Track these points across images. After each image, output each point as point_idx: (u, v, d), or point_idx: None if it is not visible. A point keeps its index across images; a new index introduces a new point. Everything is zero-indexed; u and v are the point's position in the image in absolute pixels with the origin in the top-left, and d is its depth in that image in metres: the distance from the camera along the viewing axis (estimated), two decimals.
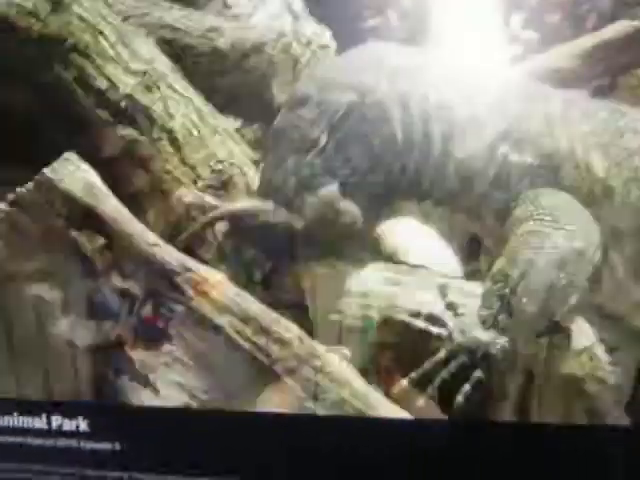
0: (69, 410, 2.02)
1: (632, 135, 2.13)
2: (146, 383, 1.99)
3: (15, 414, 2.02)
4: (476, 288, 2.16)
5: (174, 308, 2.01)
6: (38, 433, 2.02)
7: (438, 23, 3.33)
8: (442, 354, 1.99)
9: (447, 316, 2.05)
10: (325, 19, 3.33)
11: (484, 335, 1.96)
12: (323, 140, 2.19)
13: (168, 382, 1.98)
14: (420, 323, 2.05)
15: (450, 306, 2.10)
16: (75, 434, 2.01)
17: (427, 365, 1.99)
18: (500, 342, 1.95)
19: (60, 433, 2.02)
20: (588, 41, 3.19)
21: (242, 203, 2.19)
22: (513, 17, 3.60)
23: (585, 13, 3.60)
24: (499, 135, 2.15)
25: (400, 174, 2.21)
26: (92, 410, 2.03)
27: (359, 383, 1.97)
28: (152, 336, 2.01)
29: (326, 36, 3.29)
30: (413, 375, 2.00)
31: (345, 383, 1.95)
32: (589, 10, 3.61)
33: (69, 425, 2.02)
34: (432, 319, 2.05)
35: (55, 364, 2.05)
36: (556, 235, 1.96)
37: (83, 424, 2.02)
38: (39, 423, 2.04)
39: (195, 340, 1.99)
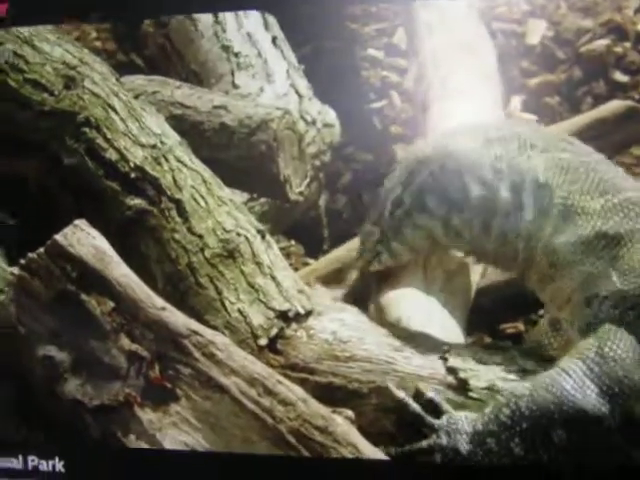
0: (45, 451, 2.05)
1: None
2: (153, 442, 2.01)
3: None
4: (476, 354, 2.22)
5: (181, 370, 2.04)
6: (15, 473, 2.05)
7: (439, 105, 3.40)
8: (424, 444, 2.04)
9: (444, 404, 2.10)
10: (331, 100, 3.43)
11: (465, 447, 2.00)
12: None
13: (175, 441, 2.01)
14: (416, 408, 2.10)
15: (451, 370, 2.15)
16: (51, 475, 2.04)
17: (407, 447, 2.05)
18: (477, 459, 1.99)
19: (36, 473, 2.05)
20: (582, 119, 3.25)
21: None
22: (512, 99, 3.69)
23: (581, 96, 3.70)
24: (606, 238, 2.10)
25: (481, 230, 2.27)
26: (67, 451, 2.06)
27: (363, 444, 2.00)
28: (160, 397, 2.04)
29: (331, 115, 3.38)
30: (393, 451, 2.07)
31: (349, 444, 1.98)
32: (585, 93, 3.70)
33: (45, 466, 2.06)
34: (430, 405, 2.10)
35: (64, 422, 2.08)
36: (589, 394, 1.93)
37: (59, 465, 2.05)
38: (16, 464, 2.07)
39: (202, 401, 2.02)
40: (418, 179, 2.34)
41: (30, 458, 2.09)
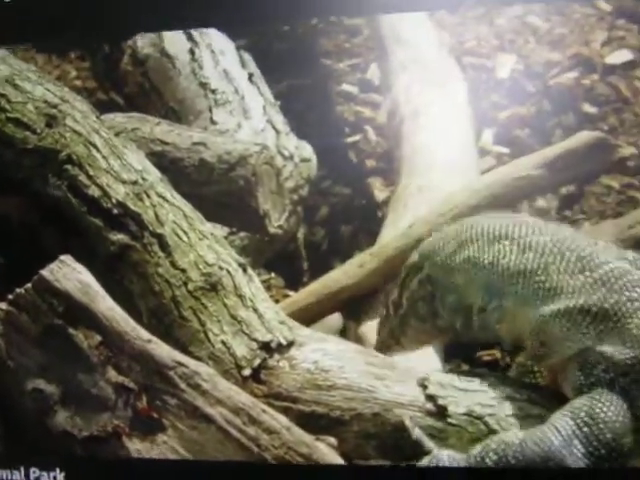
0: (46, 462, 2.08)
1: None
2: None
3: None
4: (454, 381, 2.27)
5: (168, 400, 2.08)
6: None
7: (412, 139, 3.47)
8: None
9: (426, 443, 2.13)
10: (307, 135, 3.48)
11: None
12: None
13: None
14: (416, 432, 2.14)
15: (430, 397, 2.20)
16: None
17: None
18: None
19: None
20: (553, 151, 3.30)
21: None
22: (484, 133, 3.75)
23: (551, 128, 3.77)
24: (590, 314, 2.09)
25: (463, 327, 2.35)
26: (69, 462, 2.09)
27: None
28: (147, 427, 2.07)
29: (307, 150, 3.44)
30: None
31: None
32: (555, 125, 3.77)
33: (46, 477, 2.10)
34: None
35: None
36: (575, 452, 1.95)
37: (60, 476, 2.09)
38: (17, 475, 2.10)
39: (188, 430, 2.06)
40: (411, 286, 2.46)
41: (32, 470, 2.13)
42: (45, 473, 2.13)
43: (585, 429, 1.96)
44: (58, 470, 2.12)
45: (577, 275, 2.13)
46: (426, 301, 2.42)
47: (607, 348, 2.04)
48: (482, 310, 2.27)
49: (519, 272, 2.19)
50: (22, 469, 2.13)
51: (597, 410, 1.99)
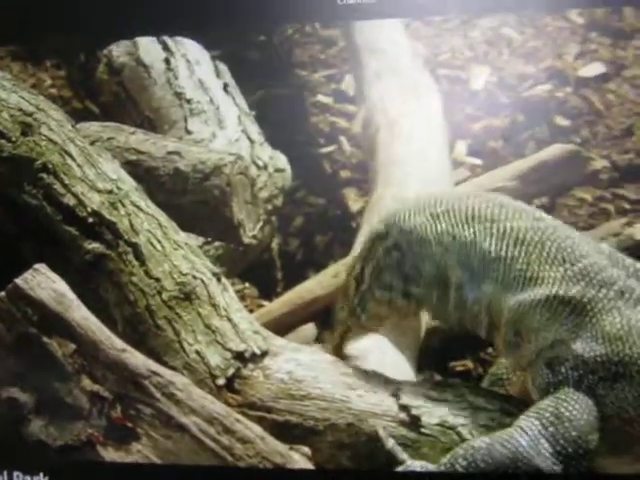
0: (30, 466, 2.08)
1: None
2: None
3: None
4: (427, 391, 2.28)
5: (142, 409, 2.08)
6: None
7: (387, 149, 3.48)
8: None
9: (399, 454, 2.14)
10: (281, 145, 3.49)
11: None
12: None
13: None
14: (390, 443, 2.16)
15: (403, 408, 2.22)
16: None
17: None
18: None
19: None
20: (526, 163, 3.34)
21: None
22: (458, 144, 3.78)
23: (525, 140, 3.80)
24: (569, 306, 2.11)
25: (438, 300, 2.34)
26: (52, 467, 2.09)
27: None
28: (122, 436, 2.07)
29: (282, 160, 3.45)
30: None
31: None
32: (528, 137, 3.80)
33: None
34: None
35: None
36: (543, 452, 1.97)
37: None
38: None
39: (162, 439, 2.06)
40: (374, 256, 2.43)
41: (15, 474, 2.13)
42: (29, 477, 2.13)
43: (551, 428, 1.99)
44: (42, 474, 2.12)
45: (557, 267, 2.14)
46: (392, 269, 2.39)
47: (577, 345, 2.07)
48: (459, 287, 2.27)
49: (499, 258, 2.20)
50: (5, 474, 2.13)
51: (562, 409, 2.01)
